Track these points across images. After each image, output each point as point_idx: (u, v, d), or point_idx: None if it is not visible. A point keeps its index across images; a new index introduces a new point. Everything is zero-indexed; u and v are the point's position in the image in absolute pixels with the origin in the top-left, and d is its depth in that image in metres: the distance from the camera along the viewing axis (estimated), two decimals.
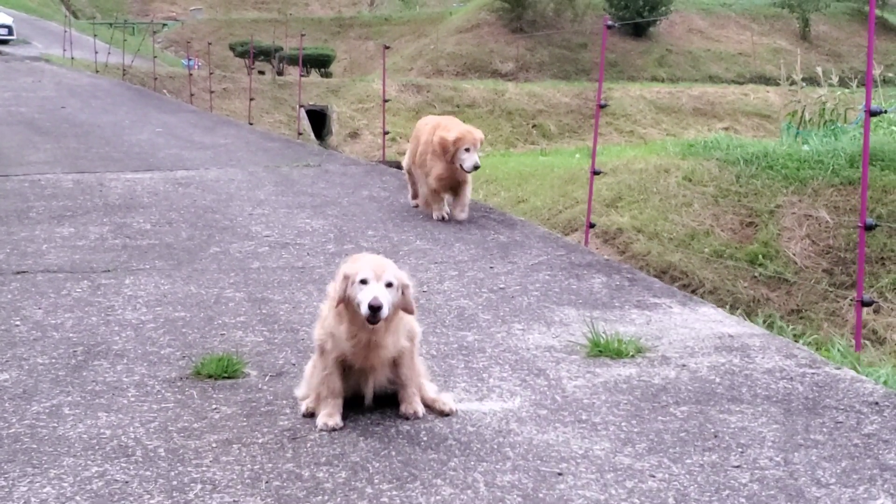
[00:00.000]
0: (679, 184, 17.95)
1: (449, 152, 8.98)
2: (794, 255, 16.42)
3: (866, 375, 5.40)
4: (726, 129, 34.86)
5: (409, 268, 7.62)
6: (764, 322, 8.78)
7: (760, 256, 16.50)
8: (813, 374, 5.32)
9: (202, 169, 12.73)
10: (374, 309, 4.34)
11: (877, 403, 4.88)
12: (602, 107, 9.56)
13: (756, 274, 15.55)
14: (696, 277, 15.67)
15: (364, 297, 4.38)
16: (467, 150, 8.94)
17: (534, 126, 37.35)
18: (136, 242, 8.48)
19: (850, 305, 15.19)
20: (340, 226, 9.22)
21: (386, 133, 17.09)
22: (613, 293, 7.02)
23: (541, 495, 3.94)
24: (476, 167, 8.95)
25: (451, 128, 9.22)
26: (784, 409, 4.81)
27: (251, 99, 23.96)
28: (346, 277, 4.49)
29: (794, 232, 16.80)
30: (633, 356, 5.59)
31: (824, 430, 4.57)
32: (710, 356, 5.63)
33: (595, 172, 9.86)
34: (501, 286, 7.17)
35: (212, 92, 26.86)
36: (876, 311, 14.98)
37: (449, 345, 5.89)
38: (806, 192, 17.26)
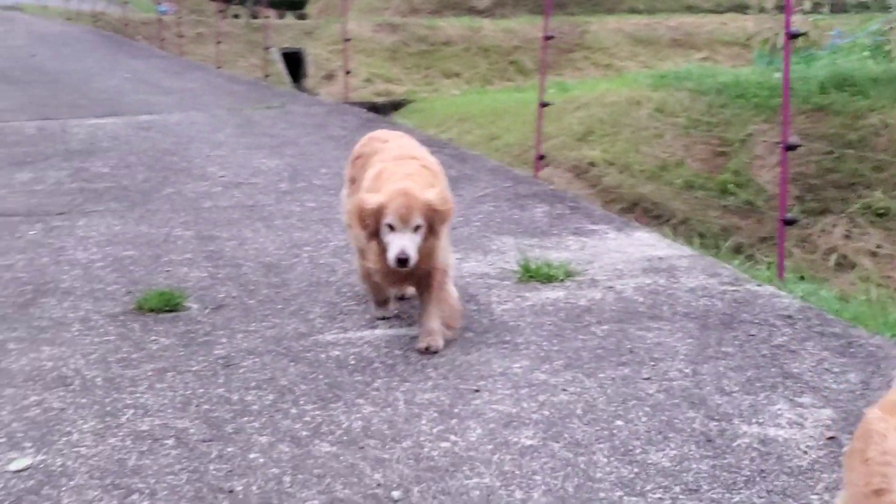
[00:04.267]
0: (650, 115, 18.05)
1: (367, 227, 4.74)
2: (764, 183, 16.58)
3: (787, 291, 5.58)
4: (704, 59, 34.80)
5: None
6: (715, 249, 8.95)
7: (731, 185, 16.64)
8: (734, 291, 5.51)
9: (165, 113, 12.82)
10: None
11: (790, 317, 5.08)
12: (548, 38, 9.60)
13: (727, 203, 15.70)
14: (667, 208, 15.84)
15: None
16: (391, 226, 4.67)
17: (510, 63, 37.24)
18: (92, 186, 8.60)
19: (820, 232, 15.39)
20: (295, 165, 9.34)
21: (348, 73, 17.19)
22: (553, 221, 7.19)
23: (456, 410, 4.13)
24: (401, 261, 4.60)
25: (383, 176, 4.94)
26: (700, 325, 5.01)
27: (218, 42, 23.99)
28: None
29: (764, 160, 16.95)
30: (562, 280, 5.77)
31: (736, 342, 4.77)
32: (638, 278, 5.81)
33: (543, 104, 9.97)
34: None
35: (181, 37, 26.78)
36: (847, 237, 15.17)
37: None
38: (777, 119, 17.33)
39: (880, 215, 15.28)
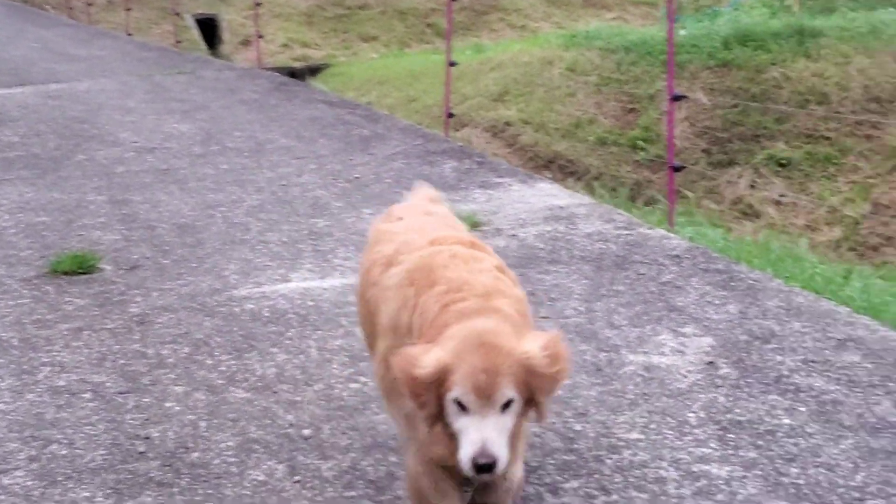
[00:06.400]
0: (563, 75, 18.23)
1: (424, 405, 2.56)
2: (673, 137, 16.89)
3: (676, 234, 5.86)
4: (615, 19, 35.06)
5: (270, 164, 7.90)
6: (629, 202, 9.19)
7: (641, 141, 16.90)
8: (627, 234, 5.76)
9: (74, 81, 12.73)
10: None
11: (678, 256, 5.35)
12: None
13: (638, 158, 16.00)
14: (582, 164, 16.08)
15: None
16: (461, 405, 2.50)
17: (428, 25, 37.22)
18: (2, 155, 8.58)
19: (727, 183, 15.78)
20: (208, 129, 9.39)
21: (260, 37, 17.19)
22: (462, 176, 7.38)
23: (366, 354, 4.29)
24: (483, 468, 2.44)
25: (423, 290, 2.80)
26: (595, 267, 5.25)
27: (128, 9, 23.76)
28: None
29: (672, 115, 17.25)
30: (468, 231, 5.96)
31: (627, 281, 5.02)
32: (539, 226, 6.04)
33: (451, 64, 10.16)
34: (357, 176, 7.48)
35: (90, 5, 26.39)
36: (752, 187, 15.54)
37: (300, 231, 6.19)
38: (683, 75, 17.62)
39: (782, 165, 15.64)
